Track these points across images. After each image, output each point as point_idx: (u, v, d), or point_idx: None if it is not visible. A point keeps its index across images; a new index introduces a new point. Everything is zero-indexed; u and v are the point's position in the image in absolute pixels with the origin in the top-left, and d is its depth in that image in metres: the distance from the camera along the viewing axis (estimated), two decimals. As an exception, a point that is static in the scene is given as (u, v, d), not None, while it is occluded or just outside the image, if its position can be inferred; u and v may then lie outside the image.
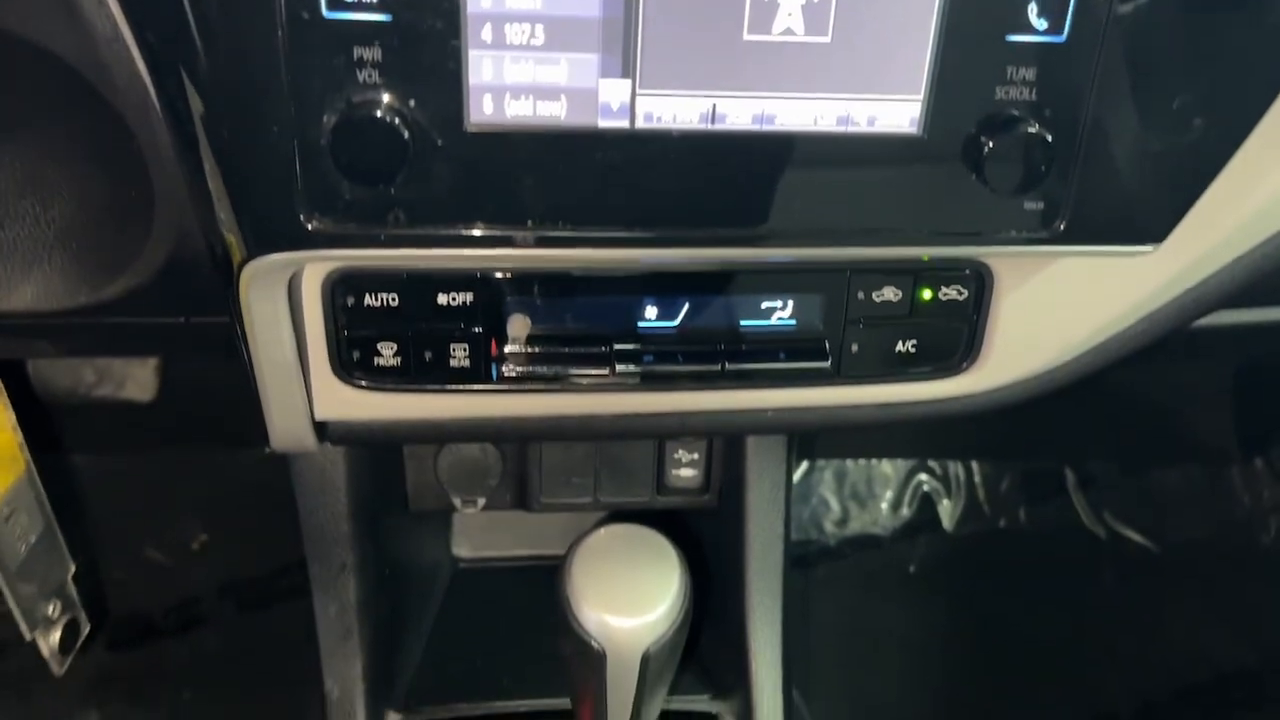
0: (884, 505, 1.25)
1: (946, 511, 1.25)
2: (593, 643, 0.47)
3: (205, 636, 1.09)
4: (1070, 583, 1.22)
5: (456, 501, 0.67)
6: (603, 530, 0.51)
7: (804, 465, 1.25)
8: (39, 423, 0.77)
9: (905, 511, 1.26)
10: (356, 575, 0.63)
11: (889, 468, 1.28)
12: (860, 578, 1.22)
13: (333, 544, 0.63)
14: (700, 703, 0.66)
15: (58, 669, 0.77)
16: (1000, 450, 1.27)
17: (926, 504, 1.25)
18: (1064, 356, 0.54)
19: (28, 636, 0.72)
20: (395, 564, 0.68)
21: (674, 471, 0.68)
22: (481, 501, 0.67)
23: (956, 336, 0.52)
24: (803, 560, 1.22)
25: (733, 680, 0.67)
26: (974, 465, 1.26)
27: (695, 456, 0.68)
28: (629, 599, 0.47)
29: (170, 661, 1.06)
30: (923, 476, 1.26)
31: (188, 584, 1.11)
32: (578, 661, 0.49)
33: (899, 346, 0.52)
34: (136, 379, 1.00)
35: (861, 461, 1.27)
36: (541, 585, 0.78)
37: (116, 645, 1.07)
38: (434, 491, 0.68)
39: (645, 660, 0.47)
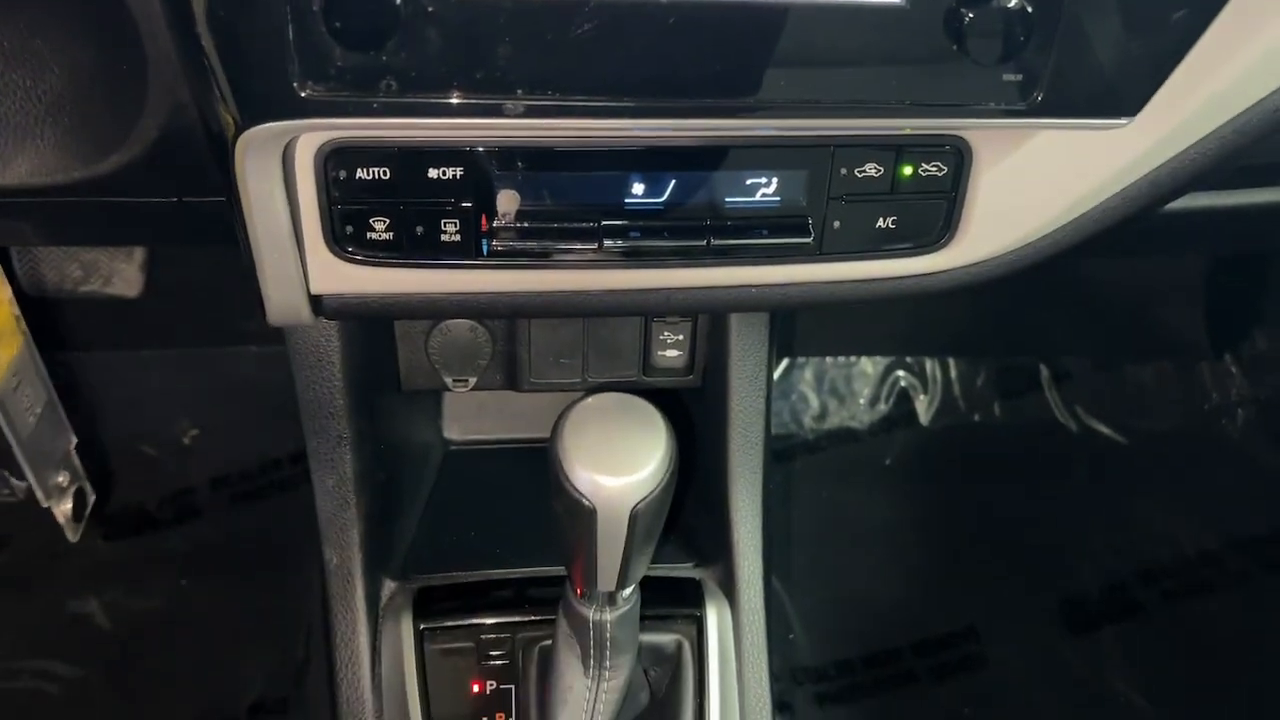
0: (862, 401, 1.28)
1: (923, 406, 1.29)
2: (584, 501, 0.49)
3: (201, 526, 1.12)
4: (1042, 474, 1.26)
5: (448, 381, 0.69)
6: (592, 398, 0.53)
7: (784, 362, 1.28)
8: (27, 319, 0.78)
9: (883, 407, 1.29)
10: (353, 448, 0.65)
11: (867, 365, 1.30)
12: (838, 470, 1.26)
13: (329, 418, 0.65)
14: (684, 570, 0.69)
15: (72, 536, 0.80)
16: (976, 347, 1.29)
17: (903, 399, 1.28)
18: (1039, 232, 0.55)
19: (44, 504, 0.74)
20: (389, 443, 0.70)
21: (660, 352, 0.70)
22: (472, 381, 0.69)
23: (936, 212, 0.53)
24: (783, 454, 1.25)
25: (715, 549, 0.69)
26: (950, 362, 1.29)
27: (680, 338, 0.69)
28: (618, 460, 0.50)
29: (167, 550, 1.09)
30: (900, 373, 1.29)
31: (181, 477, 1.13)
32: (570, 521, 0.51)
33: (879, 223, 0.53)
34: (123, 275, 1.01)
35: (840, 359, 1.30)
36: (530, 465, 0.80)
37: (112, 536, 1.10)
38: (425, 371, 0.69)
39: (634, 518, 0.50)
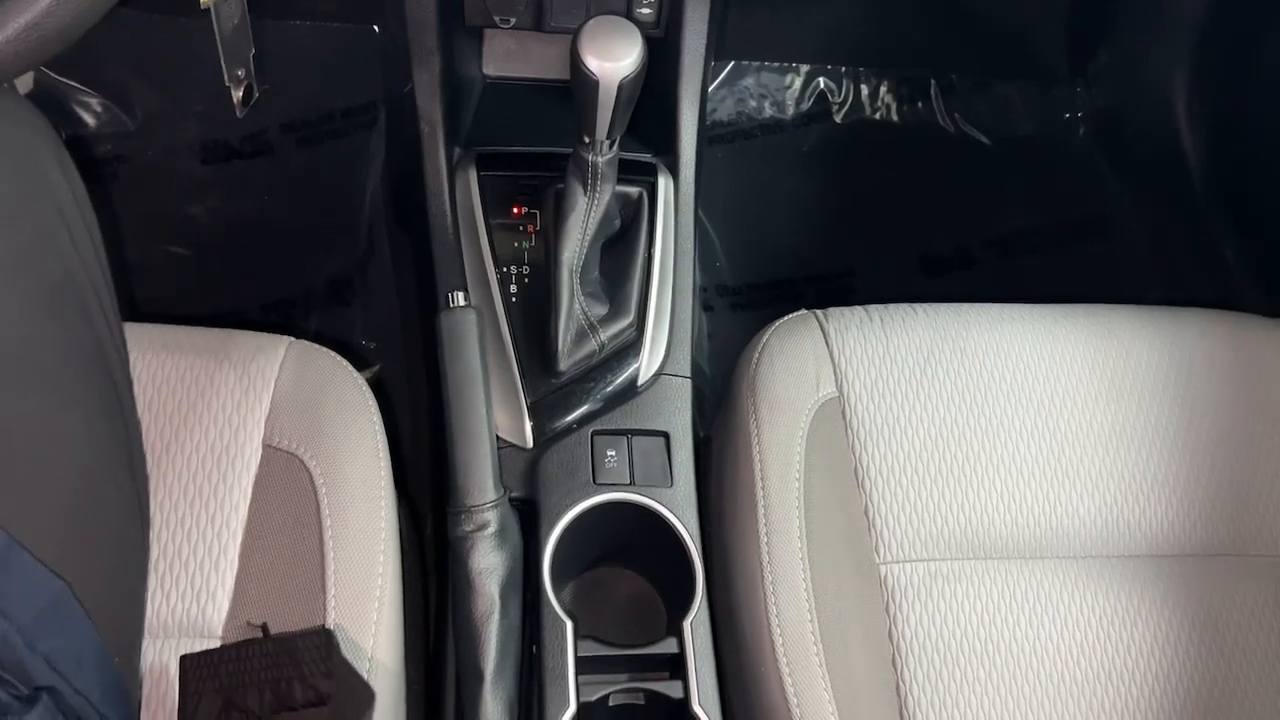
0: (790, 97, 1.61)
1: (836, 107, 1.62)
2: (591, 76, 0.82)
3: (274, 159, 1.44)
4: (922, 165, 1.59)
5: (496, 19, 1.00)
6: (598, 18, 0.84)
7: (730, 64, 1.60)
8: None
9: (805, 106, 1.61)
10: (440, 53, 0.95)
11: (796, 74, 1.61)
12: (764, 153, 1.58)
13: (425, 30, 0.95)
14: (644, 157, 1.01)
15: (240, 112, 1.12)
16: (881, 62, 1.61)
17: (821, 100, 1.60)
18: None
19: (227, 83, 1.04)
20: (453, 71, 1.02)
21: (638, 10, 1.02)
22: (513, 20, 1.01)
23: None
24: (724, 138, 1.59)
25: (666, 146, 1.02)
26: (860, 72, 1.60)
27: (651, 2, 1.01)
28: (612, 52, 0.81)
29: (250, 174, 1.42)
30: (821, 80, 1.60)
31: (256, 121, 1.45)
32: (580, 91, 0.84)
33: None
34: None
35: (776, 65, 1.61)
36: (545, 94, 1.13)
37: (208, 161, 1.43)
38: (481, 10, 1.00)
39: (620, 87, 0.82)
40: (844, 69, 1.61)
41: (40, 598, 0.59)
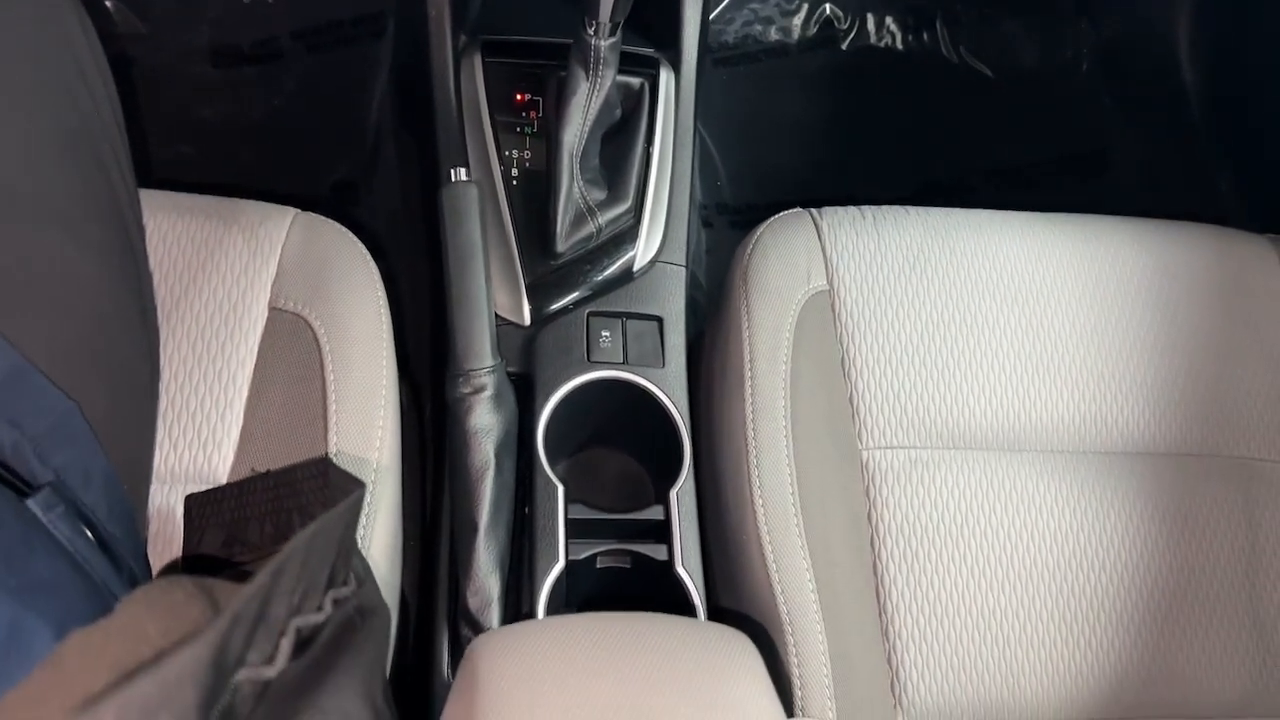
0: (796, 23, 1.62)
1: (842, 34, 1.63)
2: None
3: (285, 64, 1.46)
4: (926, 95, 1.61)
5: None
6: None
7: (739, -13, 1.61)
8: None
9: (811, 31, 1.63)
10: None
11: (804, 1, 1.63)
12: (770, 77, 1.59)
13: None
14: (646, 50, 1.02)
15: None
16: None
17: (827, 26, 1.62)
18: None
19: None
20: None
21: None
22: None
23: None
24: (729, 60, 1.60)
25: (669, 40, 1.04)
26: (867, 0, 1.62)
27: None
28: None
29: (262, 77, 1.44)
30: (827, 6, 1.62)
31: (266, 28, 1.46)
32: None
33: None
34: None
35: None
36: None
37: (219, 65, 1.45)
38: None
39: None
40: (851, -3, 1.62)
41: (51, 414, 0.62)
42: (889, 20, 1.63)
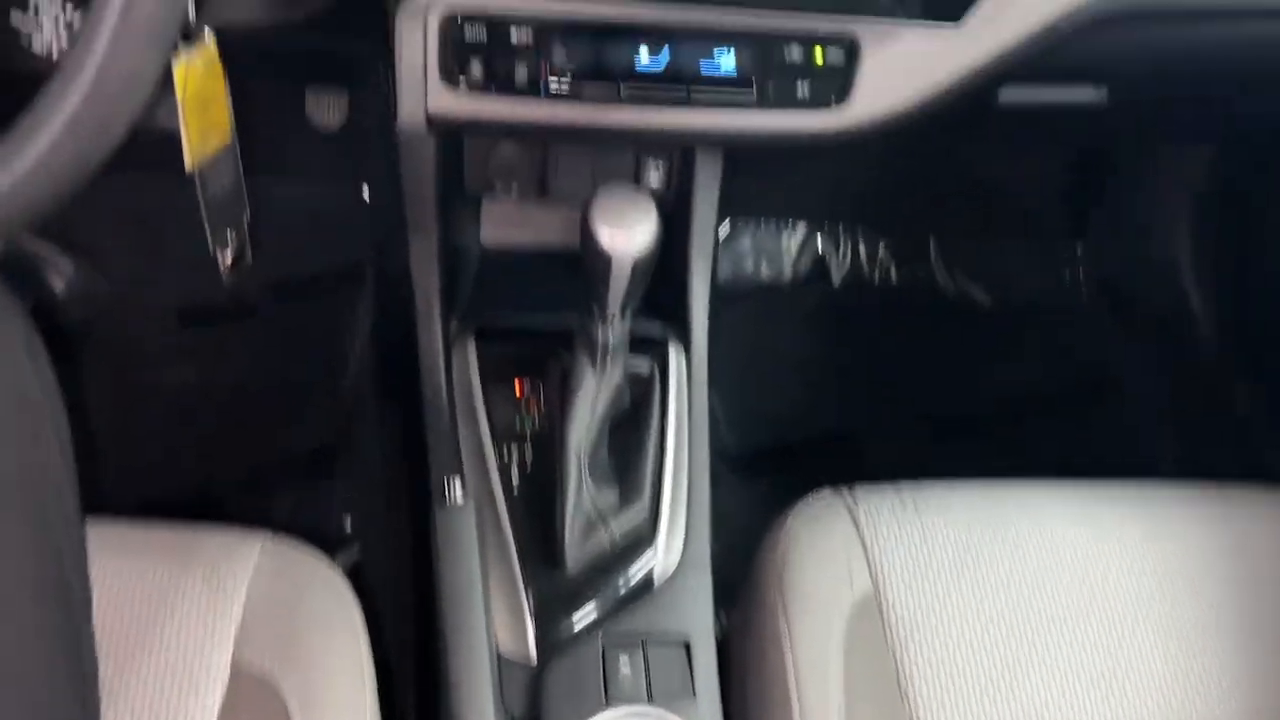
0: (787, 260, 1.57)
1: (835, 267, 1.58)
2: (604, 252, 0.77)
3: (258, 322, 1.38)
4: (923, 324, 1.56)
5: (498, 185, 0.96)
6: (606, 188, 0.80)
7: (727, 225, 1.57)
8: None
9: (803, 266, 1.58)
10: (438, 223, 0.90)
11: (793, 235, 1.59)
12: (765, 314, 1.55)
13: (423, 203, 0.89)
14: (655, 330, 0.95)
15: (226, 278, 1.06)
16: (880, 223, 1.59)
17: (820, 262, 1.58)
18: (904, 104, 0.84)
19: (212, 253, 0.99)
20: (450, 240, 0.96)
21: (647, 174, 0.98)
22: (514, 188, 0.96)
23: (836, 83, 0.81)
24: (724, 300, 1.55)
25: (673, 314, 0.96)
26: (858, 231, 1.58)
27: (660, 167, 0.97)
28: (626, 224, 0.77)
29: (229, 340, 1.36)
30: (818, 240, 1.58)
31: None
32: (593, 266, 0.78)
33: (799, 91, 0.81)
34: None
35: (773, 228, 1.58)
36: (546, 261, 1.08)
37: (185, 324, 1.37)
38: (482, 179, 0.96)
39: (635, 266, 0.77)
40: (841, 226, 1.59)
41: None
42: (880, 250, 1.59)
